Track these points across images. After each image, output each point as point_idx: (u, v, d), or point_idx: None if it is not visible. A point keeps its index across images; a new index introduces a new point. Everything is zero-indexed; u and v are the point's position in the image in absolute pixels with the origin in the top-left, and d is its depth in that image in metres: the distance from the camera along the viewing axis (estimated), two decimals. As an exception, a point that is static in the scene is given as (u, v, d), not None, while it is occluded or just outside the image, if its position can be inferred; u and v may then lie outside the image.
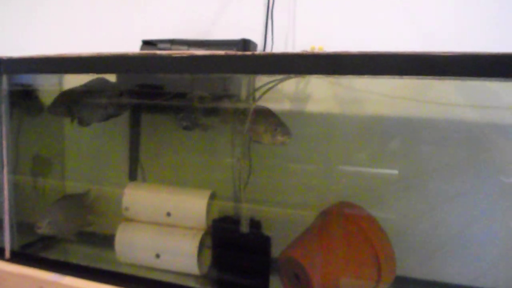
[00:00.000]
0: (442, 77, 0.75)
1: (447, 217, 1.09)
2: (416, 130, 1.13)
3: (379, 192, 1.14)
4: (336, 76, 0.88)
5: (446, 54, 0.71)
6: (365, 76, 0.79)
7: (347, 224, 0.96)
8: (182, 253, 1.06)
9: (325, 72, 0.81)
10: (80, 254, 1.31)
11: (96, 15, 1.46)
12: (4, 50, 1.35)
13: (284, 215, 1.18)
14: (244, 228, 1.04)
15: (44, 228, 1.21)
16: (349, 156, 1.18)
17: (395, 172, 1.14)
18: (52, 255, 1.24)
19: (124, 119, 1.30)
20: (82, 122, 1.14)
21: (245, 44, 1.14)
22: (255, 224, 1.07)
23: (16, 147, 1.26)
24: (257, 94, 1.12)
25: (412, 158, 1.13)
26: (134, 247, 1.10)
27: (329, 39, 1.19)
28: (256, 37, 1.24)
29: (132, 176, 1.31)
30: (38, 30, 1.57)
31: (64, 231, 1.27)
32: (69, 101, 1.18)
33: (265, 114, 1.05)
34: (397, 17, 1.13)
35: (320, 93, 1.20)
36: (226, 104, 1.15)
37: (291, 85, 1.21)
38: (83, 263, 1.11)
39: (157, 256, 1.08)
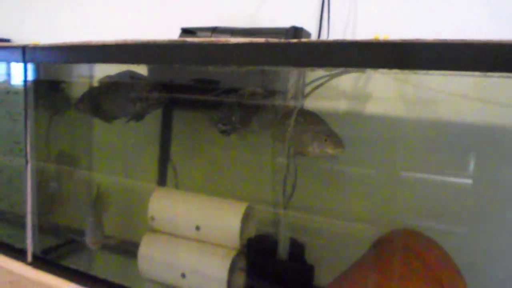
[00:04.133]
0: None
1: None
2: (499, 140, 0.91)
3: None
4: (404, 70, 0.69)
5: None
6: (442, 71, 0.60)
7: (410, 259, 0.76)
8: (211, 275, 0.91)
9: (390, 66, 0.63)
10: (104, 263, 1.21)
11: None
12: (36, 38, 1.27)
13: (334, 235, 1.01)
14: (284, 253, 0.87)
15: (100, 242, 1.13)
16: (415, 165, 0.98)
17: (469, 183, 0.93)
18: (76, 262, 1.13)
19: (156, 116, 1.17)
20: (105, 118, 1.02)
21: (296, 32, 0.97)
22: (297, 248, 0.90)
23: (45, 144, 1.17)
24: (306, 92, 0.95)
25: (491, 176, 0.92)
26: (159, 263, 0.97)
27: (397, 28, 0.99)
28: (310, 25, 1.07)
29: (161, 180, 1.18)
30: (71, 19, 1.48)
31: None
32: (97, 97, 1.06)
33: (312, 120, 0.88)
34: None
35: (384, 91, 1.00)
36: (263, 104, 0.98)
37: (348, 81, 1.02)
38: (106, 274, 1.00)
39: (183, 276, 0.94)
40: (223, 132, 0.97)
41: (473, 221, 0.93)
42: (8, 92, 1.29)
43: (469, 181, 0.93)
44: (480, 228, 0.92)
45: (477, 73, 0.59)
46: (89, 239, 1.11)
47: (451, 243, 0.82)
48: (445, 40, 0.59)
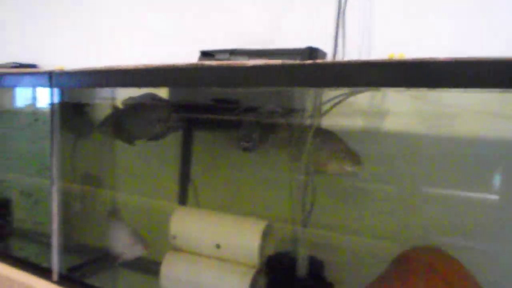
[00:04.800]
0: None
1: None
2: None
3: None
4: (419, 89, 0.70)
5: None
6: (457, 88, 0.60)
7: (431, 277, 0.76)
8: (231, 293, 0.92)
9: (403, 84, 0.64)
10: (127, 282, 1.23)
11: (154, 25, 1.39)
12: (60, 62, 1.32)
13: (353, 253, 1.00)
14: (304, 271, 0.88)
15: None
16: (435, 181, 0.97)
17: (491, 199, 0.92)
18: (100, 280, 1.16)
19: (176, 137, 1.19)
20: (128, 141, 1.06)
21: (312, 52, 0.99)
22: (317, 265, 0.91)
23: (71, 165, 1.21)
24: (322, 110, 0.96)
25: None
26: (180, 281, 0.99)
27: (412, 47, 1.00)
28: (326, 46, 1.09)
29: (182, 199, 1.20)
30: (94, 42, 1.54)
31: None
32: (119, 119, 1.10)
33: (329, 139, 0.89)
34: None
35: (401, 108, 1.01)
36: (281, 123, 1.00)
37: (365, 98, 1.03)
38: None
39: (204, 293, 0.95)
40: (245, 149, 0.99)
41: (498, 238, 0.92)
42: (36, 119, 1.35)
43: (492, 196, 0.93)
44: (505, 245, 0.91)
45: (494, 90, 0.59)
46: (139, 245, 1.12)
47: (475, 260, 0.82)
48: (457, 58, 0.60)
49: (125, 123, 1.11)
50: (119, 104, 1.16)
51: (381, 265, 0.87)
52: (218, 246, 0.96)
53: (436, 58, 0.61)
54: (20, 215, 1.46)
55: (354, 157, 0.85)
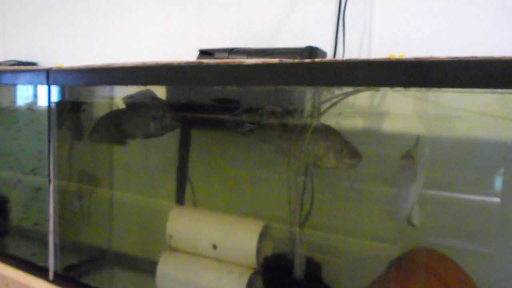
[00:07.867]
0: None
1: None
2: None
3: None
4: (419, 89, 0.69)
5: None
6: (457, 89, 0.59)
7: (429, 279, 0.75)
8: (228, 294, 0.91)
9: (402, 84, 0.63)
10: (123, 281, 1.22)
11: (154, 23, 1.38)
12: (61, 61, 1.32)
13: (351, 254, 0.99)
14: (301, 273, 0.87)
15: None
16: (434, 181, 0.96)
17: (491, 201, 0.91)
18: (96, 279, 1.15)
19: (174, 135, 1.19)
20: (120, 141, 1.06)
21: (312, 52, 0.98)
22: (314, 267, 0.90)
23: (68, 163, 1.21)
24: (322, 109, 0.95)
25: None
26: (176, 281, 0.98)
27: (413, 47, 0.99)
28: (326, 45, 1.08)
29: (179, 198, 1.19)
30: (94, 41, 1.53)
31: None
32: (113, 119, 1.10)
33: (327, 133, 0.87)
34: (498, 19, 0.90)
35: (401, 108, 1.00)
36: (276, 120, 0.99)
37: (364, 98, 1.02)
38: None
39: (200, 294, 0.94)
40: (249, 131, 0.98)
41: (498, 241, 0.91)
42: (31, 120, 1.34)
43: (491, 198, 0.91)
44: (504, 248, 0.90)
45: (495, 90, 0.59)
46: None
47: (473, 262, 0.81)
48: (458, 57, 0.59)
49: (121, 122, 1.11)
50: (118, 102, 1.15)
51: (379, 267, 0.87)
52: (214, 247, 0.96)
53: (437, 57, 0.60)
54: (17, 213, 1.45)
55: (353, 150, 0.84)
